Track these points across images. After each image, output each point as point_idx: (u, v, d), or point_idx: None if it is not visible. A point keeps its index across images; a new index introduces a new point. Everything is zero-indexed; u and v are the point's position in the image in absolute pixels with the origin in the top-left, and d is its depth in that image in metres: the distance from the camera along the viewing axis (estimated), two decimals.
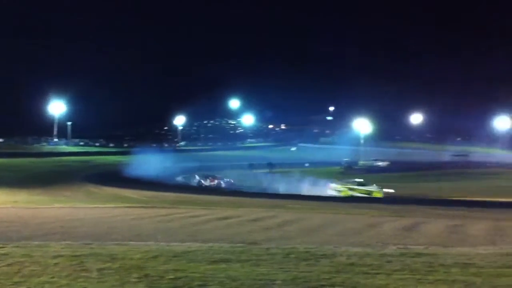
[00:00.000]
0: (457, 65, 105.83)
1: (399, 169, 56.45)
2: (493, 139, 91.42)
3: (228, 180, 43.65)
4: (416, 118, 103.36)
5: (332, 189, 39.07)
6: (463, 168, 62.28)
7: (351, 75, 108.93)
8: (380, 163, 66.01)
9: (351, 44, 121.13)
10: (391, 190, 37.62)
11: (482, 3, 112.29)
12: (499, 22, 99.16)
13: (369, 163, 65.90)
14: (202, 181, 43.11)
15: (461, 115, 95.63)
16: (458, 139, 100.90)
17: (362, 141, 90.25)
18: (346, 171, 56.70)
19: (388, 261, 8.68)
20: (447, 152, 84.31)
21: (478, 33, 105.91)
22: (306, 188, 39.74)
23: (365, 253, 9.23)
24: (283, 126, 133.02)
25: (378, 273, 7.80)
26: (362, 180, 40.24)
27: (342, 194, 37.80)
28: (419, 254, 9.67)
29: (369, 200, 34.93)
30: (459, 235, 15.33)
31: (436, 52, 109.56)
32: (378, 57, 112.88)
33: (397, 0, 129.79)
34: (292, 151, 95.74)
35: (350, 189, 38.43)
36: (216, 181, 43.03)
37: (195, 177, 44.38)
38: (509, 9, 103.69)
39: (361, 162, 66.92)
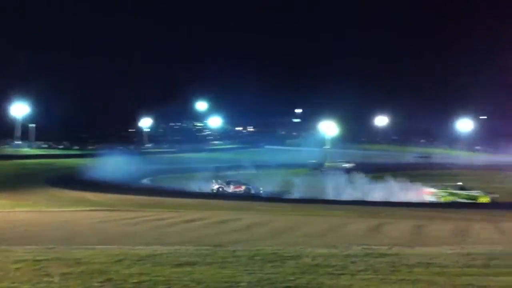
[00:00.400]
0: (420, 68, 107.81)
1: (364, 171, 57.02)
2: (455, 140, 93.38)
3: (256, 186, 39.99)
4: (382, 120, 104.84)
5: (430, 194, 35.98)
6: (426, 169, 63.39)
7: (318, 77, 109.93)
8: (345, 165, 66.66)
9: (319, 47, 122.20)
10: (496, 195, 34.81)
11: (444, 4, 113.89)
12: (461, 25, 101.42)
13: (335, 164, 66.49)
14: (224, 188, 39.38)
15: (425, 117, 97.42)
16: (422, 140, 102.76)
17: (328, 143, 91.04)
18: (312, 173, 57.01)
19: (353, 262, 8.77)
20: (411, 154, 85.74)
21: (440, 36, 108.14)
22: (394, 192, 36.57)
23: (330, 254, 9.31)
24: (250, 128, 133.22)
25: (342, 274, 7.87)
26: (462, 183, 37.18)
27: (442, 200, 34.97)
28: (383, 255, 9.80)
29: (333, 201, 34.41)
30: (422, 235, 15.62)
31: (401, 54, 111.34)
32: (345, 59, 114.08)
33: (366, 2, 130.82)
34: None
35: (451, 194, 35.43)
36: (243, 187, 39.36)
37: (212, 183, 40.31)
38: (468, 9, 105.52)
39: (327, 164, 67.46)
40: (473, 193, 35.27)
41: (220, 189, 39.20)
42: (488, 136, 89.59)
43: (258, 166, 57.42)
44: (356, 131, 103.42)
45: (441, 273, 8.25)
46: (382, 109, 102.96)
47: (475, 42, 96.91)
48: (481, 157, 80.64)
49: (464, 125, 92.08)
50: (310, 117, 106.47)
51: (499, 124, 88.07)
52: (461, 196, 34.91)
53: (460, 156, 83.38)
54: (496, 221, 20.81)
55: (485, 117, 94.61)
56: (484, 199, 34.03)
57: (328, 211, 25.51)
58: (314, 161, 69.47)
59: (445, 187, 36.36)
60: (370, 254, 9.79)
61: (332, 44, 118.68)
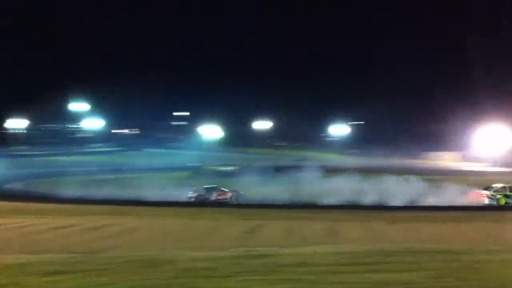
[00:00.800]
0: (299, 73, 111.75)
1: (246, 174, 58.00)
2: (330, 144, 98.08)
3: (241, 192, 36.86)
4: (263, 124, 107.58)
5: (485, 196, 33.94)
6: (304, 172, 65.47)
7: (205, 79, 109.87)
8: (227, 168, 67.28)
9: (204, 49, 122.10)
10: None
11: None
12: (339, 30, 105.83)
13: (217, 167, 66.88)
14: (206, 195, 35.99)
15: (303, 121, 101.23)
16: (300, 144, 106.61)
17: (210, 146, 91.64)
18: (194, 176, 56.96)
19: (231, 264, 8.87)
20: (289, 157, 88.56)
21: (319, 44, 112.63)
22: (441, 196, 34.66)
23: (207, 257, 9.35)
24: (131, 131, 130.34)
25: (220, 276, 7.93)
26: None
27: (500, 203, 33.40)
28: (260, 256, 10.01)
29: (214, 204, 34.31)
30: (297, 236, 16.15)
31: (282, 59, 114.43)
32: (230, 63, 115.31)
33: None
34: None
35: (506, 196, 33.71)
36: (229, 194, 36.28)
37: (190, 192, 36.41)
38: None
39: (208, 167, 67.71)
40: None
41: (201, 196, 35.62)
42: (362, 141, 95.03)
43: (137, 169, 56.40)
44: (239, 134, 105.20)
45: (314, 272, 8.59)
46: (264, 114, 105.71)
47: (353, 50, 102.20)
48: (354, 160, 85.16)
49: (339, 130, 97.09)
50: (194, 120, 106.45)
51: (374, 129, 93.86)
52: None
53: (336, 159, 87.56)
54: (365, 221, 22.02)
55: (362, 122, 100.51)
56: None
57: (208, 215, 25.47)
58: (195, 164, 69.50)
59: (501, 189, 34.37)
60: (247, 255, 9.96)
61: (216, 47, 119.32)
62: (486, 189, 34.54)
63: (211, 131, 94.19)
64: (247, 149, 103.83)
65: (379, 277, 8.36)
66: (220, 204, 34.72)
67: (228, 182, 42.23)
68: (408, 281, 8.16)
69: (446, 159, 75.36)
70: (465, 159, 73.27)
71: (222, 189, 37.05)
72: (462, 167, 65.88)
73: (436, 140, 76.85)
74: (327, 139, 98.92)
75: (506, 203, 33.23)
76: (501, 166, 61.07)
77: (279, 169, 61.41)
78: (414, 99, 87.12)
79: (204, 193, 36.30)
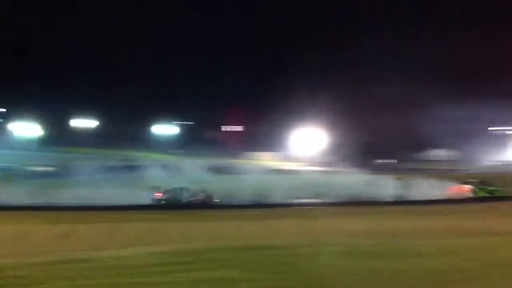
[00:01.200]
0: (125, 72, 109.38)
1: (66, 175, 55.41)
2: (156, 144, 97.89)
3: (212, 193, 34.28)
4: (88, 123, 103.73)
5: (469, 190, 37.02)
6: (131, 173, 64.34)
7: (22, 75, 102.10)
8: (44, 168, 63.53)
9: (21, 43, 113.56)
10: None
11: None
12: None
13: (32, 168, 62.84)
14: (178, 197, 33.15)
15: (129, 120, 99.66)
16: (126, 144, 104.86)
17: (28, 145, 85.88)
18: (8, 178, 52.79)
19: (39, 270, 8.40)
20: (115, 157, 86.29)
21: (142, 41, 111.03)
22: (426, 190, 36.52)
23: (12, 265, 8.71)
24: None
25: (27, 284, 7.48)
26: (484, 180, 39.20)
27: (478, 195, 36.60)
28: (74, 260, 9.61)
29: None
30: (114, 238, 15.59)
31: (107, 58, 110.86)
32: (52, 58, 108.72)
33: None
34: None
35: (481, 189, 37.34)
36: (202, 195, 33.61)
37: (156, 193, 33.00)
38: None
39: (21, 167, 63.34)
40: (493, 188, 37.89)
41: (172, 198, 32.65)
42: (189, 141, 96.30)
43: None
44: (60, 133, 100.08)
45: (130, 275, 8.44)
46: (87, 112, 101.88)
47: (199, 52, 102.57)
48: (183, 160, 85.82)
49: (166, 129, 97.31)
50: (13, 118, 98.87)
51: (201, 130, 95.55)
52: (486, 191, 37.34)
53: (160, 158, 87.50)
54: (188, 220, 22.11)
55: (191, 123, 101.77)
56: (502, 193, 36.78)
57: (12, 219, 22.92)
58: (5, 164, 64.51)
59: (478, 183, 38.02)
60: (59, 261, 9.51)
61: (35, 42, 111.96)
62: (465, 183, 38.03)
63: (29, 129, 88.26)
64: (69, 148, 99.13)
65: (195, 275, 8.50)
66: (193, 205, 31.94)
67: (47, 184, 39.91)
68: (224, 278, 8.41)
69: (266, 159, 79.23)
70: (285, 158, 77.88)
71: (192, 189, 34.32)
72: (282, 166, 69.96)
73: (257, 140, 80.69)
74: (153, 138, 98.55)
75: (482, 195, 36.59)
76: (316, 165, 66.00)
77: (106, 169, 59.60)
78: (239, 101, 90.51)
79: (175, 194, 33.63)
